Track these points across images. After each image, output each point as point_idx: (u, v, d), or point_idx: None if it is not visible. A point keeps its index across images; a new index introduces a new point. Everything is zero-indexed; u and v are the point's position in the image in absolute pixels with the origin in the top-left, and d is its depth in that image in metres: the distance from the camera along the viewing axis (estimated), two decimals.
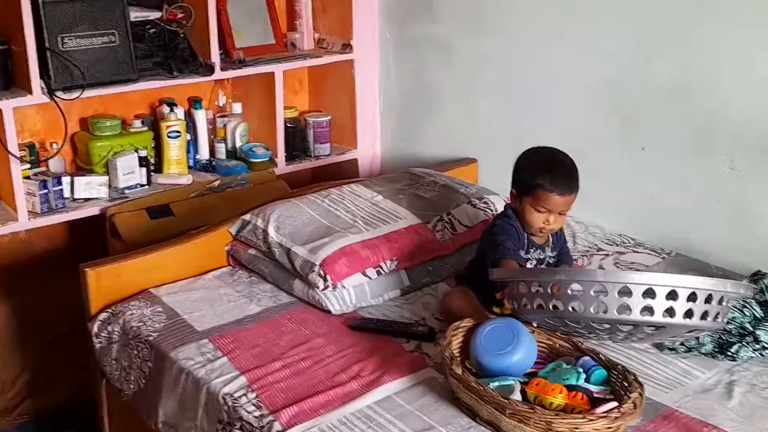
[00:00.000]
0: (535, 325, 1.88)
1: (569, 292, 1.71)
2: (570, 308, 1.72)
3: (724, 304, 1.74)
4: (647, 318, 1.68)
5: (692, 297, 1.69)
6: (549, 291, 1.75)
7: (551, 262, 2.14)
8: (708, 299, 1.70)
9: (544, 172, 1.99)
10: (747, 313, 2.03)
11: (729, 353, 1.93)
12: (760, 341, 1.97)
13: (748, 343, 1.96)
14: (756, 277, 2.18)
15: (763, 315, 2.05)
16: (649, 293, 1.67)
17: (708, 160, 2.51)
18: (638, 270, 2.31)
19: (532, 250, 2.08)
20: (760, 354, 1.96)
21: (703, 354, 1.97)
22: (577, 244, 2.63)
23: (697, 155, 2.53)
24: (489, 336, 1.80)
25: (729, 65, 2.40)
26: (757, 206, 2.42)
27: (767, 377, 1.90)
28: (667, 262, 2.50)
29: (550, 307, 1.75)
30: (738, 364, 1.94)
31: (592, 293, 1.69)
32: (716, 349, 1.96)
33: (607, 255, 2.56)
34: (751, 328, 2.00)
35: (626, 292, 1.68)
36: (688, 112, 2.53)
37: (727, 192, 2.48)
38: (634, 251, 2.58)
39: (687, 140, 2.55)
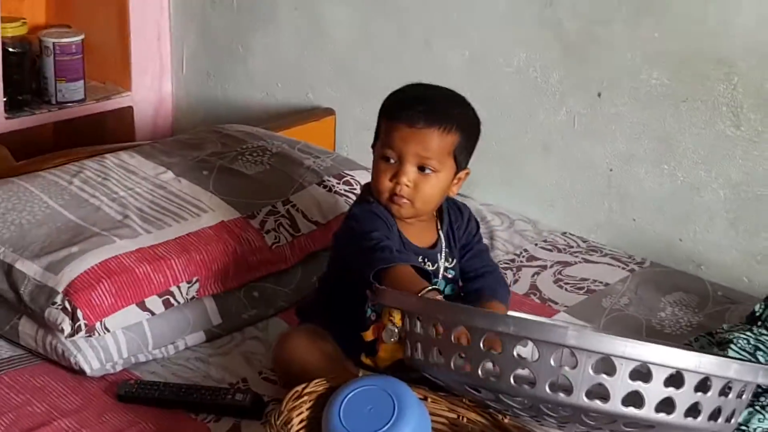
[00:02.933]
0: (431, 382, 1.88)
1: (514, 354, 1.73)
2: (511, 380, 1.73)
3: (744, 397, 1.78)
4: (632, 412, 1.69)
5: (703, 384, 1.73)
6: (481, 346, 1.75)
7: (450, 277, 2.15)
8: (725, 389, 1.72)
9: (391, 95, 2.11)
10: (763, 353, 2.11)
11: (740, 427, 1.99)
12: None
13: (764, 407, 2.03)
14: None
15: None
16: (641, 373, 1.69)
17: (700, 113, 2.58)
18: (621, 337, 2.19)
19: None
20: None
21: None
22: (495, 249, 2.67)
23: (683, 105, 2.60)
24: (353, 407, 1.78)
25: None
26: None
27: None
28: (639, 276, 2.57)
29: (479, 373, 1.75)
30: None
31: (552, 362, 1.71)
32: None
33: (544, 267, 2.60)
34: None
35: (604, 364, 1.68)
36: (668, 34, 2.60)
37: (729, 163, 2.57)
38: (587, 260, 2.65)
39: (667, 80, 2.62)
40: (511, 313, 2.08)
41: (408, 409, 1.77)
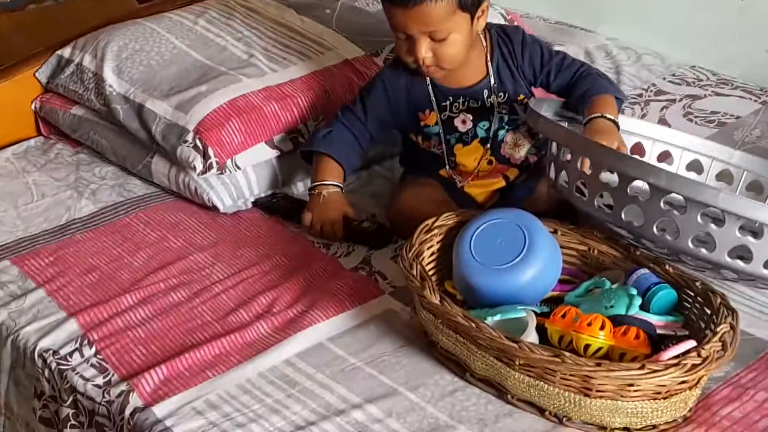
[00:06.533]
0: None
1: (662, 205, 1.71)
2: (655, 229, 1.73)
3: None
4: None
5: None
6: (627, 190, 1.74)
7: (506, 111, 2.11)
8: None
9: None
10: None
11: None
12: None
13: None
14: None
15: None
16: None
17: None
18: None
19: (446, 102, 2.09)
20: None
21: None
22: (622, 84, 2.63)
23: None
24: (483, 240, 1.79)
25: None
26: None
27: None
28: None
29: (622, 216, 1.76)
30: None
31: (699, 220, 1.70)
32: None
33: (673, 101, 2.56)
34: None
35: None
36: None
37: None
38: (717, 93, 2.60)
39: None
40: None
41: (539, 241, 1.78)
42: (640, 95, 2.59)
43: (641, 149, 2.11)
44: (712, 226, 1.70)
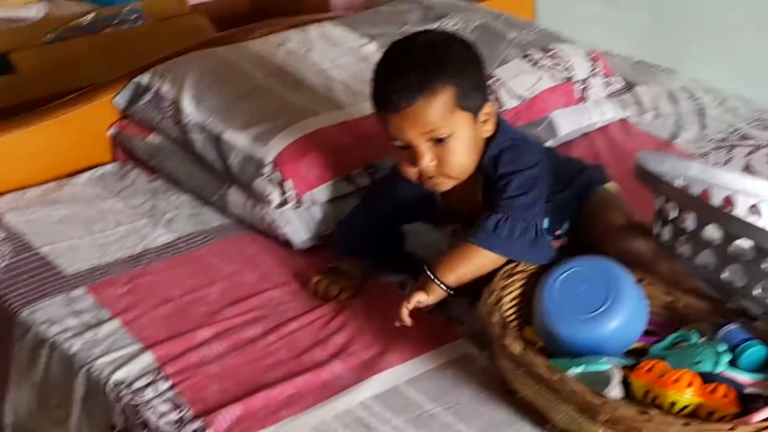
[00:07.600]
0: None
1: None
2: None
3: None
4: None
5: None
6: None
7: None
8: None
9: (373, 80, 1.94)
10: None
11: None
12: None
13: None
14: None
15: None
16: None
17: None
18: None
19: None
20: None
21: None
22: (705, 129, 2.61)
23: None
24: (566, 288, 1.77)
25: None
26: None
27: None
28: None
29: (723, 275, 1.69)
30: None
31: None
32: None
33: (758, 147, 2.52)
34: None
35: None
36: None
37: None
38: None
39: None
40: None
41: (625, 291, 1.76)
42: (724, 140, 2.56)
43: (731, 202, 2.00)
44: None
